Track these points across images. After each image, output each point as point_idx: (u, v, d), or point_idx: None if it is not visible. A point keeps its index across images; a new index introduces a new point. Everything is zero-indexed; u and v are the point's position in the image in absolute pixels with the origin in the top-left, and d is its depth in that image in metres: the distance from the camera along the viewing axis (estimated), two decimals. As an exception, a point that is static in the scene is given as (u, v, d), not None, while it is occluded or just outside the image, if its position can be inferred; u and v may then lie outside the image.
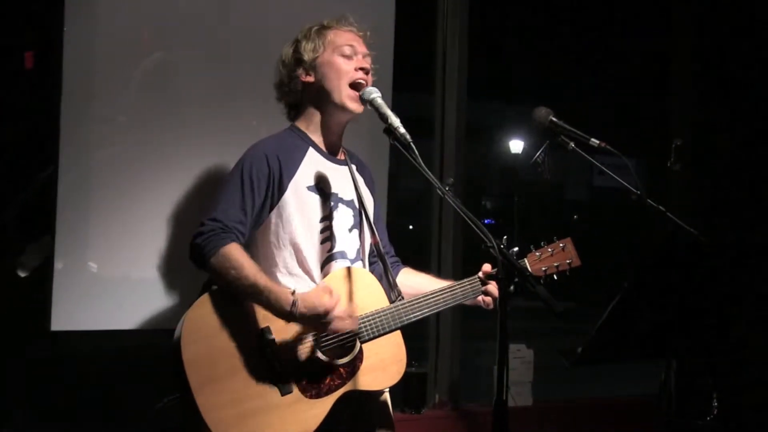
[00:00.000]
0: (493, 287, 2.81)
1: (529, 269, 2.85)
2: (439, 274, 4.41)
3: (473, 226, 2.37)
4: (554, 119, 3.11)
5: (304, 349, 2.62)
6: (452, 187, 2.64)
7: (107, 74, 3.35)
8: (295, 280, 2.70)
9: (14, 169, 3.66)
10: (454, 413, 4.46)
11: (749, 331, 3.02)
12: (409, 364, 4.25)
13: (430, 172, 2.50)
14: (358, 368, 2.66)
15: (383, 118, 2.61)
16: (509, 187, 21.91)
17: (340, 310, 2.57)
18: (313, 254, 2.72)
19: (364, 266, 2.85)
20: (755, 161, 5.21)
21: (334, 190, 2.78)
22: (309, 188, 2.73)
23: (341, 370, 2.64)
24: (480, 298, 2.86)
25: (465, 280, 2.84)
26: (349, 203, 2.82)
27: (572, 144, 3.10)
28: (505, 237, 2.54)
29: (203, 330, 2.55)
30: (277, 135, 2.82)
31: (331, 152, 2.84)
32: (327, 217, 2.75)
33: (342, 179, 2.83)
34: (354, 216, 2.83)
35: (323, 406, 2.60)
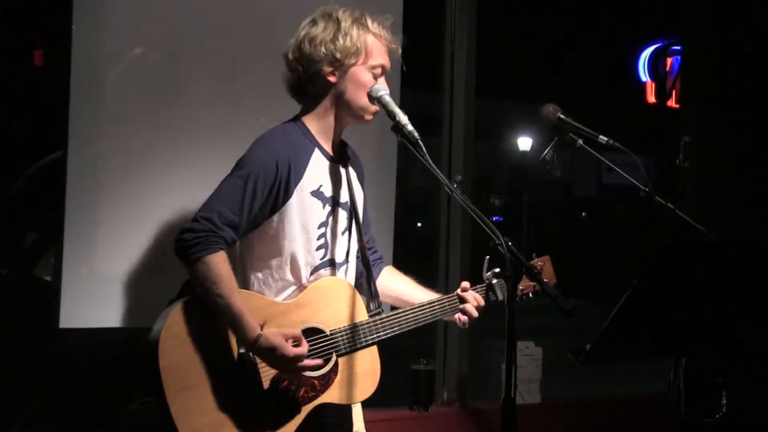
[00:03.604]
0: (470, 307, 2.80)
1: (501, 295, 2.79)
2: (447, 271, 4.44)
3: (481, 223, 2.36)
4: (562, 116, 3.10)
5: None
6: (460, 185, 2.61)
7: (115, 72, 3.35)
8: (281, 285, 2.69)
9: (23, 167, 3.67)
10: (463, 411, 4.45)
11: (759, 328, 3.01)
12: (417, 362, 4.31)
13: (438, 170, 2.49)
14: (333, 381, 2.63)
15: (391, 115, 2.59)
16: (518, 184, 21.89)
17: (306, 359, 2.56)
18: (306, 261, 2.69)
19: (350, 268, 2.83)
20: (765, 158, 5.19)
21: (333, 193, 2.74)
22: (312, 193, 2.68)
23: (315, 382, 2.62)
24: (457, 315, 2.84)
25: (444, 297, 2.83)
26: (344, 205, 2.78)
27: (580, 141, 3.09)
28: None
29: (181, 336, 2.53)
30: (285, 131, 2.73)
31: (333, 152, 2.78)
32: (324, 223, 2.71)
33: (340, 180, 2.78)
34: (347, 218, 2.79)
35: (297, 417, 2.60)
